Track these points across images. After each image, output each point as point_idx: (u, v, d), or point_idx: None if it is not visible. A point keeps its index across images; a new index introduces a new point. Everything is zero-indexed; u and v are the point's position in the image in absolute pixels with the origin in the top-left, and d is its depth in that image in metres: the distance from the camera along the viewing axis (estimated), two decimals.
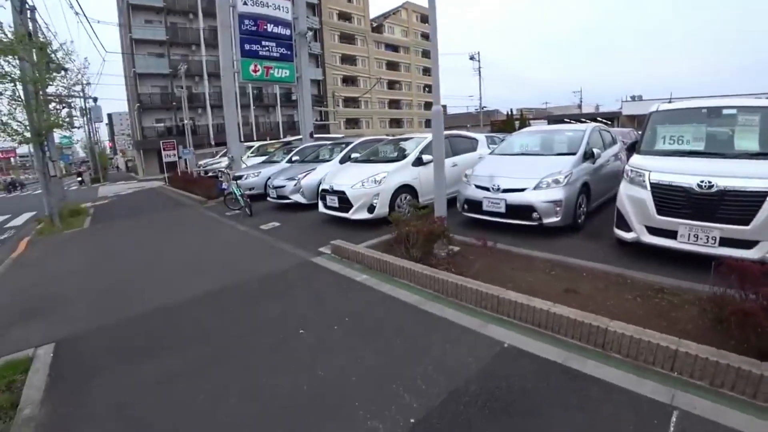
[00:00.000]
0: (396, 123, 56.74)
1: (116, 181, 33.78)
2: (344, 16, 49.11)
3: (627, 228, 4.52)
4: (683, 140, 4.84)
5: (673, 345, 2.52)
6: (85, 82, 11.99)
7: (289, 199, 8.70)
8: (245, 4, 11.82)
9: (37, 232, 9.69)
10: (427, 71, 60.49)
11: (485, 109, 49.26)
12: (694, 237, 4.01)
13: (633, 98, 34.55)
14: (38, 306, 4.59)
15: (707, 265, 3.65)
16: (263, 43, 12.35)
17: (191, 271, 5.51)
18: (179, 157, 20.53)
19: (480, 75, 45.28)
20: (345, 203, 6.56)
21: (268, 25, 12.36)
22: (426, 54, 59.76)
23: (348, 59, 49.38)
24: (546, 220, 5.34)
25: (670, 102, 5.70)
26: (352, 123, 50.29)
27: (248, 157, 15.25)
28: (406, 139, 8.15)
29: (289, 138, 18.64)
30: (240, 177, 9.73)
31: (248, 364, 2.96)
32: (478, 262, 4.46)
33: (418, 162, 6.86)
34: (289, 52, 13.14)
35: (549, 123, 34.21)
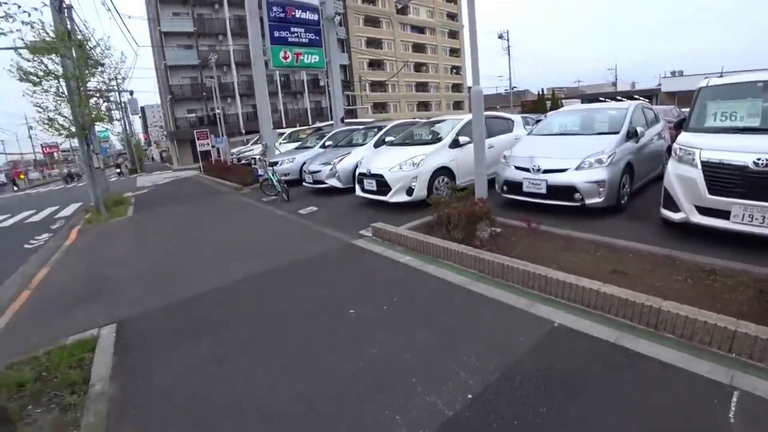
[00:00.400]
0: (424, 106, 56.10)
1: (152, 171, 35.01)
2: None
3: (675, 208, 4.38)
4: (736, 116, 4.61)
5: (732, 326, 2.47)
6: (122, 77, 12.38)
7: (325, 183, 8.84)
8: None
9: (86, 221, 10.22)
10: (454, 52, 59.30)
11: (515, 89, 48.07)
12: (749, 217, 3.86)
13: (673, 74, 32.81)
14: (95, 290, 4.89)
15: (760, 247, 3.56)
16: (292, 29, 12.42)
17: (236, 254, 5.72)
18: (212, 146, 21.03)
19: (509, 54, 44.11)
20: (383, 186, 6.62)
21: (296, 11, 12.39)
22: (453, 35, 58.51)
23: (373, 43, 48.91)
24: (589, 201, 5.24)
25: (721, 76, 5.44)
26: (380, 107, 50.05)
27: (280, 143, 15.50)
28: (440, 121, 8.09)
29: (320, 124, 18.79)
30: (275, 163, 9.94)
31: (303, 342, 3.09)
32: (521, 243, 4.45)
33: (455, 144, 6.82)
34: (317, 38, 13.17)
35: (582, 102, 33.06)
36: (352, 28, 45.74)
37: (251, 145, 21.23)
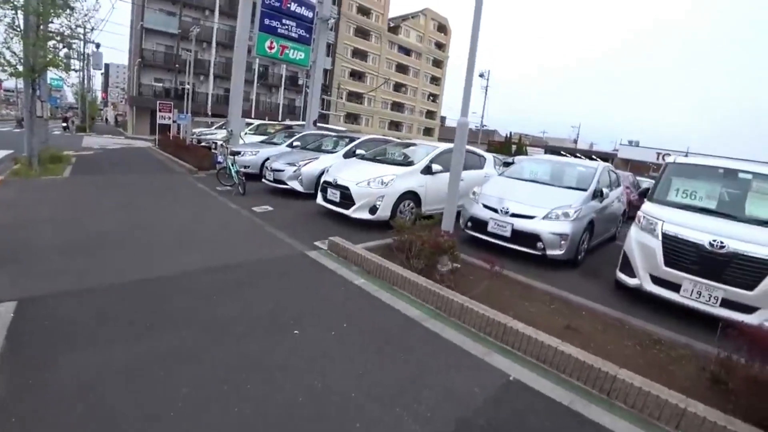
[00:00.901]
0: (395, 126, 56.68)
1: (103, 133, 32.65)
2: (363, 11, 48.82)
3: (631, 273, 4.53)
4: (696, 195, 4.86)
5: (682, 403, 2.45)
6: (90, 26, 11.34)
7: (286, 185, 8.43)
8: None
9: (12, 172, 9.15)
10: (435, 80, 60.73)
11: (485, 127, 49.67)
12: (697, 293, 4.05)
13: (630, 143, 35.45)
14: (2, 255, 4.19)
15: (703, 322, 3.72)
16: (284, 21, 12.02)
17: (177, 243, 5.22)
18: (174, 121, 19.90)
19: (486, 93, 45.60)
20: (347, 200, 6.35)
21: (292, 3, 12.02)
22: (437, 63, 59.99)
23: (359, 54, 49.11)
24: (549, 252, 5.30)
25: (686, 156, 5.76)
26: (352, 118, 49.96)
27: (246, 133, 14.87)
28: (414, 145, 8.02)
29: (291, 122, 18.30)
30: (238, 153, 9.39)
31: (237, 361, 2.71)
32: (480, 283, 4.33)
33: (427, 170, 6.71)
34: (307, 35, 12.84)
35: (546, 152, 34.71)
36: (341, 35, 45.74)
37: (215, 128, 20.36)
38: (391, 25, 53.15)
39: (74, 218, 5.97)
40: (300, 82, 36.30)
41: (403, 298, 3.92)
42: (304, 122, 15.07)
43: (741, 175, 4.88)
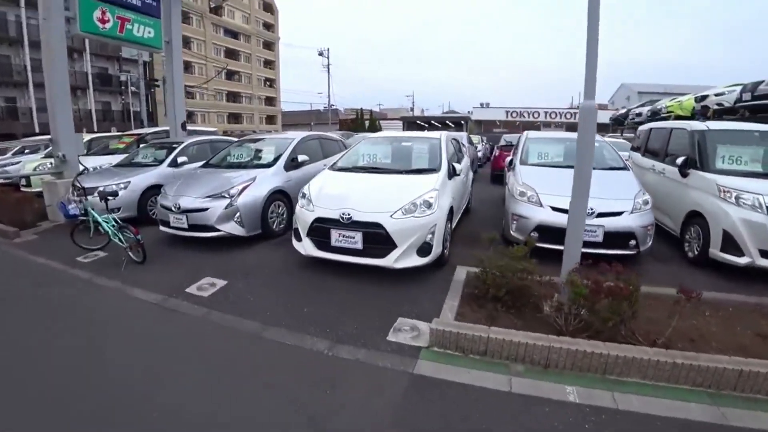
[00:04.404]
0: (234, 118, 51.58)
1: None
2: None
3: (739, 252, 4.23)
4: (742, 160, 4.88)
5: None
6: None
7: (219, 231, 5.52)
8: None
9: None
10: (268, 64, 56.80)
11: (333, 107, 48.70)
12: None
13: (482, 105, 38.62)
14: None
15: None
16: None
17: None
18: None
19: (329, 72, 44.36)
20: (379, 243, 4.05)
21: None
22: (267, 45, 56.00)
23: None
24: (643, 248, 4.55)
25: (705, 122, 5.64)
26: (186, 115, 43.33)
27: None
28: (402, 138, 6.14)
29: (144, 130, 13.76)
30: (113, 193, 5.90)
31: None
32: (644, 319, 3.15)
33: (451, 172, 5.03)
34: (155, 3, 8.98)
35: (405, 124, 35.32)
36: None
37: (12, 155, 14.78)
38: (212, 5, 46.90)
39: None
40: (122, 78, 29.22)
41: (646, 392, 2.49)
42: (160, 128, 11.36)
43: None
